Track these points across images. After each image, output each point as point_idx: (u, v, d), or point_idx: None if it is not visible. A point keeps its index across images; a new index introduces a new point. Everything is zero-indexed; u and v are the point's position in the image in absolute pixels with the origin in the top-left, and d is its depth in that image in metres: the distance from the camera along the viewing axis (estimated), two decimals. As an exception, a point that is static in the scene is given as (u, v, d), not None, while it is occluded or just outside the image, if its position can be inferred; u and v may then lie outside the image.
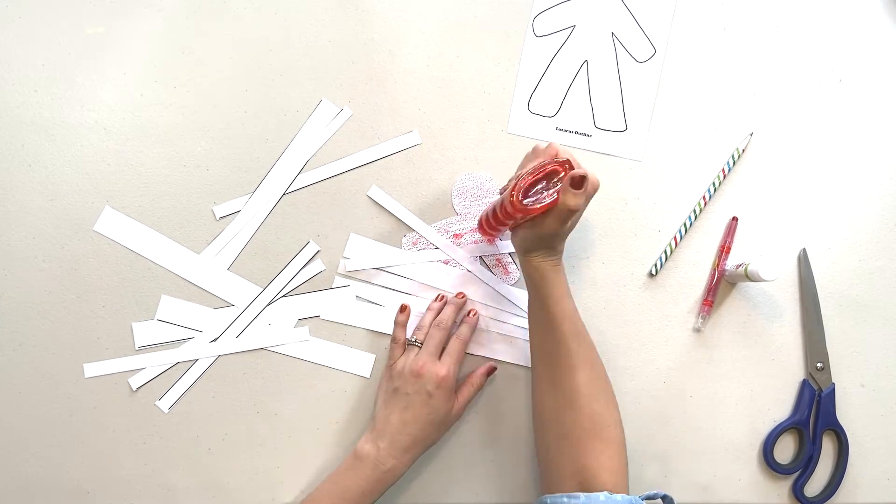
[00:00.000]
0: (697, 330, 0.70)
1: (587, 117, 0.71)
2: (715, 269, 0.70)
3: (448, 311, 0.67)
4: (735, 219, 0.70)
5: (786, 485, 0.71)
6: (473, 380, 0.66)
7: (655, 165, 0.71)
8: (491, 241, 0.69)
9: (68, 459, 0.67)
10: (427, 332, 0.66)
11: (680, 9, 0.71)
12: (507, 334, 0.69)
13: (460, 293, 0.68)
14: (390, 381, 0.64)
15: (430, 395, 0.62)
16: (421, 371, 0.62)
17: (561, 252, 0.60)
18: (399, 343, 0.66)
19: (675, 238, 0.70)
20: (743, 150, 0.71)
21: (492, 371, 0.68)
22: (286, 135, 0.69)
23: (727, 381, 0.71)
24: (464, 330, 0.67)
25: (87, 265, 0.67)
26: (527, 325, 0.65)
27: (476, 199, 0.69)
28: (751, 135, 0.71)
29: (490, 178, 0.69)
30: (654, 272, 0.70)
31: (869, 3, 0.73)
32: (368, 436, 0.63)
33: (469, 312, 0.68)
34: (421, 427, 0.62)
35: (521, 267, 0.62)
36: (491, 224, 0.62)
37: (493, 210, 0.61)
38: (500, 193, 0.62)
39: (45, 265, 0.67)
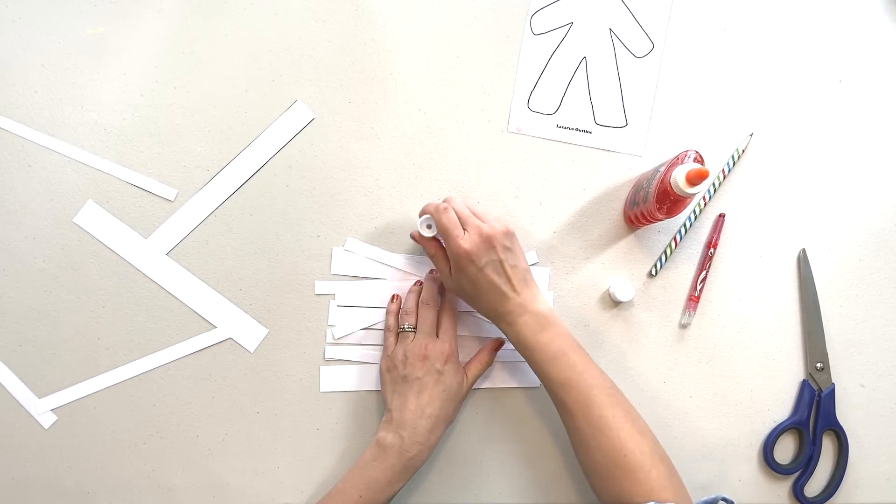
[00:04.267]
0: (684, 326, 0.70)
1: (587, 114, 0.71)
2: (701, 267, 0.70)
3: (430, 288, 0.66)
4: (722, 215, 0.70)
5: (786, 485, 0.71)
6: (482, 357, 0.66)
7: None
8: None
9: (68, 459, 0.67)
10: (416, 315, 0.65)
11: (677, 4, 0.71)
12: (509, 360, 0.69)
13: (432, 270, 0.68)
14: (394, 370, 0.64)
15: (440, 373, 0.62)
16: (426, 352, 0.62)
17: (499, 313, 0.61)
18: (392, 331, 0.66)
19: (674, 239, 0.70)
20: (743, 151, 0.71)
21: (499, 346, 0.68)
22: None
23: (727, 381, 0.71)
24: (450, 302, 0.67)
25: (87, 265, 0.67)
26: None
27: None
28: (751, 135, 0.71)
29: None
30: (653, 272, 0.70)
31: (869, 3, 0.73)
32: (388, 427, 0.62)
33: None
34: (439, 406, 0.62)
35: None
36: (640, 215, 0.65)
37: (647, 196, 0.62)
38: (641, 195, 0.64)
39: (45, 265, 0.67)
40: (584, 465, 0.60)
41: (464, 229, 0.61)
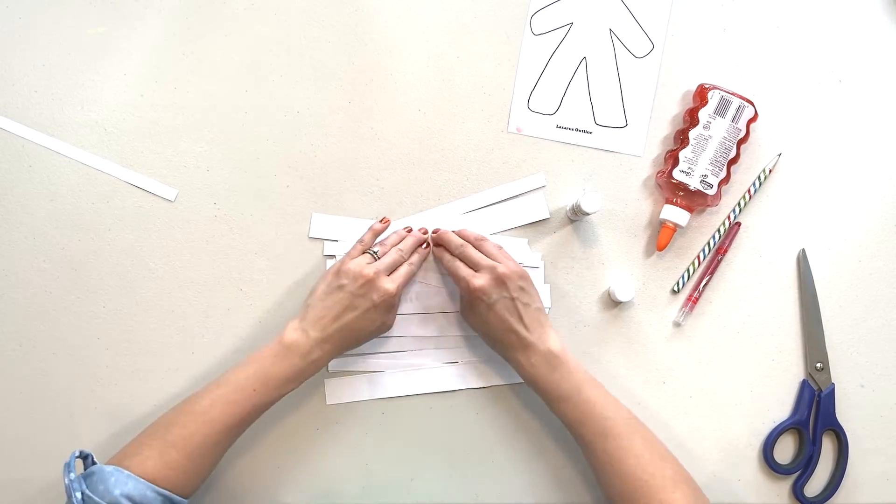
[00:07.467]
0: (678, 325, 0.70)
1: (587, 114, 0.71)
2: (706, 271, 0.70)
3: (410, 241, 0.67)
4: (738, 224, 0.70)
5: (786, 485, 0.71)
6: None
7: (656, 163, 0.71)
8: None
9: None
10: (388, 250, 0.66)
11: (677, 4, 0.71)
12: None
13: (423, 229, 0.69)
14: (338, 276, 0.63)
15: (374, 305, 0.62)
16: (373, 280, 0.62)
17: (513, 352, 0.63)
18: (365, 245, 0.66)
19: (698, 257, 0.70)
20: (770, 171, 0.71)
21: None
22: (286, 136, 0.69)
23: (727, 381, 0.71)
24: (415, 258, 0.67)
25: (87, 265, 0.67)
26: None
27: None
28: (779, 155, 0.71)
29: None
30: (676, 290, 0.70)
31: (869, 3, 0.73)
32: (298, 324, 0.62)
33: (423, 244, 0.68)
34: (354, 330, 0.62)
35: None
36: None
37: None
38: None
39: (45, 265, 0.67)
40: (607, 492, 0.60)
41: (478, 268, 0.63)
